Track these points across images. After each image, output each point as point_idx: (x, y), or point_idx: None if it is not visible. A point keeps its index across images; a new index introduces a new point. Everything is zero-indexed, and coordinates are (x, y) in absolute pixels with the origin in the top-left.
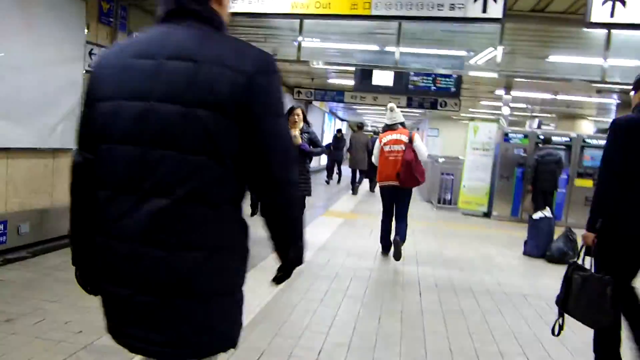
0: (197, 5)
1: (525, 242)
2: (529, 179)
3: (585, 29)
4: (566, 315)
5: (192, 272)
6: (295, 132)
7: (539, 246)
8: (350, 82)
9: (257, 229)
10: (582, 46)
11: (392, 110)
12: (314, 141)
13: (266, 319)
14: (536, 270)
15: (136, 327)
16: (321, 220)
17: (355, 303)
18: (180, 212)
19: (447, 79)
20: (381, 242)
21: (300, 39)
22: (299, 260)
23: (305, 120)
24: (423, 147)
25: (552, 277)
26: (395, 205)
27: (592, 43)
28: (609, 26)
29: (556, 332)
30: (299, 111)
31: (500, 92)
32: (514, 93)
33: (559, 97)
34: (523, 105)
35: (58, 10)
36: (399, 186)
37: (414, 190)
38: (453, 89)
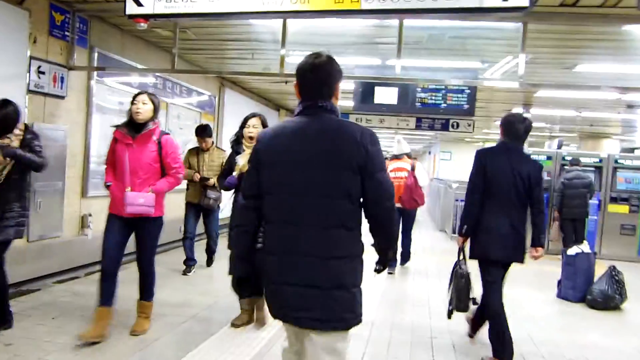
0: (324, 102)
1: (559, 283)
2: (555, 205)
3: (625, 27)
4: None
5: (340, 272)
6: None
7: (577, 288)
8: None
9: None
10: (621, 50)
11: (399, 142)
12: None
13: None
14: (576, 319)
15: (302, 310)
16: None
17: None
18: (329, 234)
19: (459, 95)
20: None
21: (282, 51)
22: (393, 257)
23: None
24: (423, 174)
25: (598, 330)
26: (402, 223)
27: (635, 45)
28: None
29: (450, 317)
30: (255, 121)
31: (518, 110)
32: (533, 111)
33: (583, 114)
34: (541, 125)
35: None
36: (404, 208)
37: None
38: (466, 106)
